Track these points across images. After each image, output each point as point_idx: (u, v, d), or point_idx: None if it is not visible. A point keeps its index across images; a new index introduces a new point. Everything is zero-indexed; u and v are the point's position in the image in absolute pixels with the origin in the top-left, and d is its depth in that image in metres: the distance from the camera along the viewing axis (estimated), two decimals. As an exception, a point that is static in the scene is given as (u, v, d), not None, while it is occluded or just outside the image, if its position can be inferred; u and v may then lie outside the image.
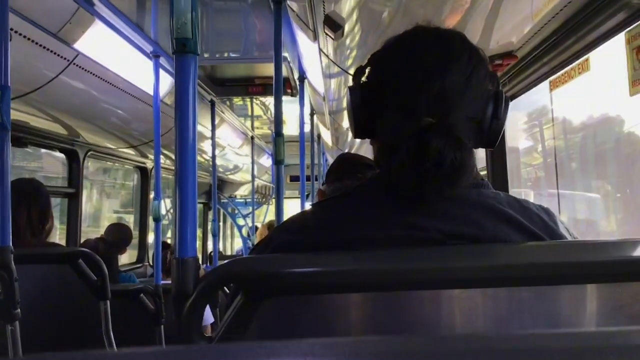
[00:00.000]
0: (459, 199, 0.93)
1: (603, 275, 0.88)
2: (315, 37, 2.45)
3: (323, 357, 0.46)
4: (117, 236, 4.19)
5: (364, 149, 4.68)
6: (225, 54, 3.89)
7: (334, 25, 2.14)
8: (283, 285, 0.88)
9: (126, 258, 5.30)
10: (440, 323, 0.92)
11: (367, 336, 0.52)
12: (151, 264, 5.42)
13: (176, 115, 0.99)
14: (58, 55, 2.68)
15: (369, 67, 1.04)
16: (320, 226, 0.97)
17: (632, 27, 1.60)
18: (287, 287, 0.89)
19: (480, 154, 2.84)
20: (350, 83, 1.05)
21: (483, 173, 2.78)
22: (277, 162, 2.34)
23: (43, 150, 4.32)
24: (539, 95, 2.45)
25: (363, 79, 1.04)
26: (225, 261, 0.93)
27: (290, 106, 4.55)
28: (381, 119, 0.98)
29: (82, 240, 4.17)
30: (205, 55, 3.77)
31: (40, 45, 2.52)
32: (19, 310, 1.86)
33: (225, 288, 1.06)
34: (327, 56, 2.69)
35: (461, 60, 0.97)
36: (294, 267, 0.88)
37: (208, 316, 3.62)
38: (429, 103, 0.93)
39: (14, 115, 3.10)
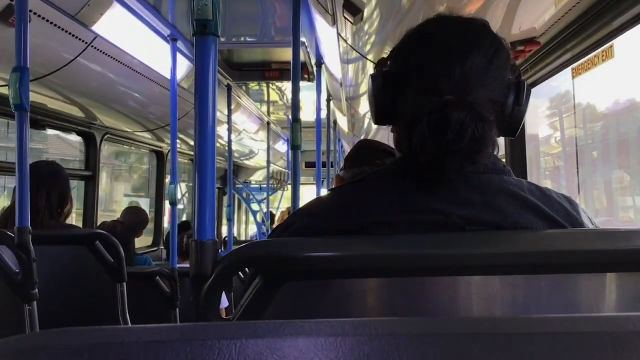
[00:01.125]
0: (480, 184, 0.93)
1: (624, 264, 0.87)
2: (334, 22, 2.43)
3: (354, 336, 0.46)
4: (134, 219, 4.22)
5: (380, 135, 4.66)
6: (243, 38, 3.88)
7: (354, 9, 2.12)
8: (302, 269, 0.88)
9: (140, 241, 5.33)
10: (458, 310, 0.91)
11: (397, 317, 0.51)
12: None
13: (196, 98, 0.99)
14: (76, 37, 2.69)
15: (391, 57, 1.04)
16: (338, 211, 0.96)
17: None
18: (306, 271, 0.88)
19: (500, 142, 2.80)
20: (371, 70, 1.05)
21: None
22: (294, 147, 2.34)
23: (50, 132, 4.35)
24: (560, 82, 2.41)
25: (385, 68, 1.04)
26: (241, 245, 0.93)
27: (306, 91, 4.53)
28: (403, 101, 0.98)
29: (98, 223, 4.21)
30: (223, 39, 3.76)
31: (59, 27, 2.53)
32: (36, 290, 1.88)
33: (240, 273, 1.06)
34: (345, 41, 2.67)
35: (482, 44, 0.97)
36: (313, 251, 0.87)
37: (223, 300, 3.63)
38: (451, 85, 0.93)
39: (32, 97, 3.13)
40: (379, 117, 1.04)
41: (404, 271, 0.88)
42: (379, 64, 1.05)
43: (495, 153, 0.98)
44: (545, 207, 0.93)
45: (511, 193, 0.93)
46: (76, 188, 4.36)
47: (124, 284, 2.43)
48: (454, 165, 0.89)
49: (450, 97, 0.90)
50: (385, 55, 1.07)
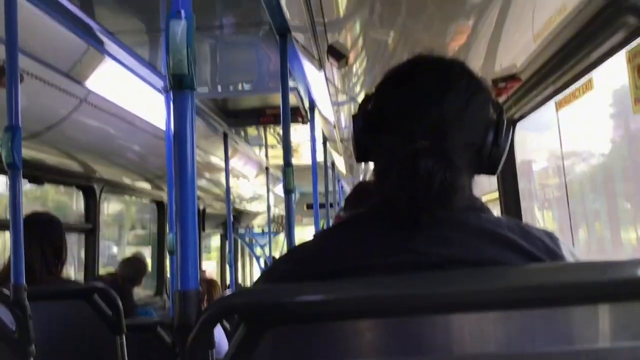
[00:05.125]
0: (457, 223, 0.94)
1: (604, 296, 0.87)
2: (321, 67, 2.48)
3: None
4: (131, 270, 4.19)
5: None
6: (239, 86, 3.94)
7: (338, 54, 2.16)
8: (285, 315, 0.88)
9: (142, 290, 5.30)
10: (451, 347, 0.91)
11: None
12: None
13: (175, 150, 1.01)
14: (69, 94, 2.73)
15: (372, 98, 1.06)
16: (320, 255, 0.97)
17: (632, 45, 1.60)
18: (288, 317, 0.89)
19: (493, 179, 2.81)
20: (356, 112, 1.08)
21: (495, 197, 2.76)
22: (287, 191, 2.35)
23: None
24: (546, 115, 2.44)
25: (369, 106, 1.06)
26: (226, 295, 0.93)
27: (304, 134, 4.56)
28: (378, 145, 0.99)
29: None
30: (219, 89, 3.82)
31: (52, 85, 2.58)
32: (33, 347, 1.87)
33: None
34: (334, 85, 2.71)
35: (459, 87, 0.98)
36: (294, 297, 0.88)
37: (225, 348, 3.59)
38: (426, 129, 0.94)
39: (30, 153, 3.16)
40: (360, 156, 1.07)
41: (388, 312, 0.88)
42: (364, 102, 1.07)
43: (474, 191, 1.00)
44: (525, 243, 0.94)
45: (489, 231, 0.94)
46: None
47: (124, 336, 2.41)
48: (424, 213, 0.91)
49: (424, 142, 0.92)
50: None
